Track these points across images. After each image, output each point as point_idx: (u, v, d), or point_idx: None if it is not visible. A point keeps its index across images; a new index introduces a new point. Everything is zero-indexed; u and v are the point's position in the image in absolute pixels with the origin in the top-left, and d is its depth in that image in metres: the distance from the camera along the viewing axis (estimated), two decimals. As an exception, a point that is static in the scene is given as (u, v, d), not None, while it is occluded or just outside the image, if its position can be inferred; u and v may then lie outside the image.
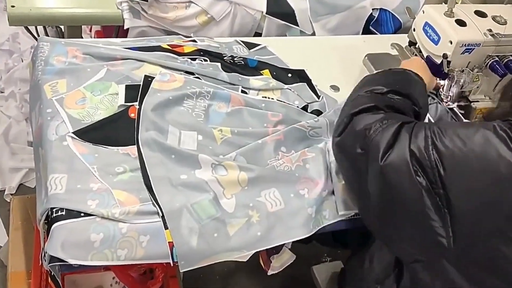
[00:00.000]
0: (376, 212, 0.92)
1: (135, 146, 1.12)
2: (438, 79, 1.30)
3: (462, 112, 1.32)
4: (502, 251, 0.78)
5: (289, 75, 1.44)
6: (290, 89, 1.38)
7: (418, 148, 0.84)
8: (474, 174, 0.79)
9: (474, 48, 1.24)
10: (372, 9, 1.87)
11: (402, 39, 1.54)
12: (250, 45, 1.52)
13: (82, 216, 0.97)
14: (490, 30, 1.25)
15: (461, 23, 1.26)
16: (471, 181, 0.79)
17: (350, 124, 0.96)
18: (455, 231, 0.81)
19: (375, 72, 1.15)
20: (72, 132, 1.12)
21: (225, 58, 1.42)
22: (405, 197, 0.85)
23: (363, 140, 0.91)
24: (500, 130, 0.79)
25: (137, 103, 1.21)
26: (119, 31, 1.77)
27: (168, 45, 1.43)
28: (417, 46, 1.42)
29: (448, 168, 0.80)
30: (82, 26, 1.87)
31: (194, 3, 1.69)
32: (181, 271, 0.98)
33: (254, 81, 1.37)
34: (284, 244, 1.08)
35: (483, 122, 0.87)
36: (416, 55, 1.44)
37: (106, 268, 1.08)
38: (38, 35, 1.83)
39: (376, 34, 1.88)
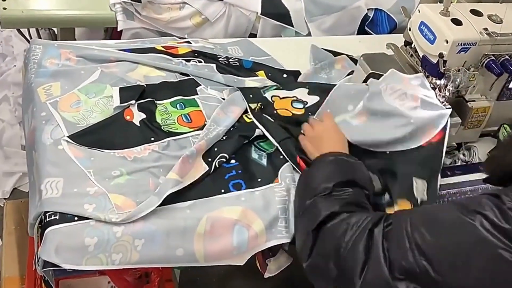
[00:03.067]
0: None
1: (131, 149, 1.11)
2: (434, 78, 1.30)
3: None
4: None
5: (284, 75, 1.44)
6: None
7: (401, 256, 0.77)
8: (467, 274, 0.73)
9: (470, 47, 1.24)
10: (367, 9, 1.86)
11: (398, 39, 1.53)
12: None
13: (76, 220, 0.96)
14: (486, 29, 1.24)
15: (457, 22, 1.25)
16: (465, 280, 0.73)
17: (316, 244, 0.88)
18: None
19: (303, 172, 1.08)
20: (67, 136, 1.10)
21: (220, 59, 1.42)
22: None
23: (335, 260, 0.84)
24: (486, 221, 0.72)
25: (133, 101, 1.20)
26: (113, 33, 1.76)
27: (162, 46, 1.43)
28: (412, 45, 1.41)
29: (439, 270, 0.74)
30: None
31: (188, 4, 1.68)
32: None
33: (250, 82, 1.36)
34: (281, 246, 1.07)
35: (465, 206, 0.77)
36: (412, 55, 1.43)
37: (101, 272, 1.07)
38: (31, 38, 1.82)
39: (372, 34, 1.88)
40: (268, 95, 1.30)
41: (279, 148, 1.16)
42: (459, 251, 0.74)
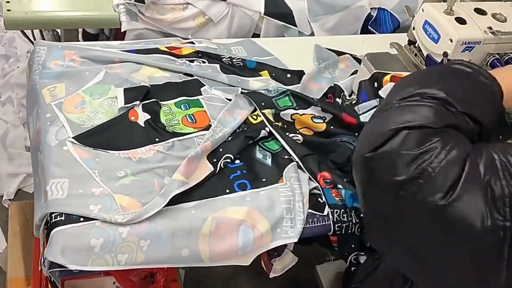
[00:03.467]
0: (418, 260, 0.75)
1: (136, 149, 1.11)
2: None
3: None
4: None
5: (288, 75, 1.44)
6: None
7: (492, 181, 0.67)
8: None
9: (474, 46, 1.24)
10: (371, 9, 1.86)
11: (401, 38, 1.53)
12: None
13: (82, 221, 0.96)
14: (490, 28, 1.24)
15: (461, 21, 1.25)
16: None
17: (396, 138, 0.74)
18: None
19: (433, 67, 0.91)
20: (72, 137, 1.11)
21: (223, 59, 1.42)
22: (478, 243, 0.67)
23: (416, 164, 0.71)
24: None
25: (137, 102, 1.20)
26: (117, 34, 1.76)
27: (166, 47, 1.43)
28: (416, 45, 1.41)
29: None
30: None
31: (191, 4, 1.68)
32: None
33: (254, 82, 1.36)
34: (286, 246, 1.07)
35: None
36: (416, 54, 1.43)
37: (107, 273, 1.07)
38: (35, 39, 1.82)
39: (375, 33, 1.87)
40: (287, 114, 1.26)
41: (301, 164, 1.15)
42: None
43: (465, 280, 0.71)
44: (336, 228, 1.08)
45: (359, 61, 1.49)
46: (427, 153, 0.72)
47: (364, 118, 1.25)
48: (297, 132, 1.25)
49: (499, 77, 0.87)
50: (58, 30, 1.89)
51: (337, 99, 1.38)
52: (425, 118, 0.76)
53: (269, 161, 1.16)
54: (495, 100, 0.85)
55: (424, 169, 0.71)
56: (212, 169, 1.10)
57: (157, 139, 1.15)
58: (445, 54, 1.24)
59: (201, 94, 1.30)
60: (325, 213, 1.09)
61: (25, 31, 1.84)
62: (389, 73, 1.34)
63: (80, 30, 1.96)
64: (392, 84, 1.24)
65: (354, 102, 1.35)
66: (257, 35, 1.78)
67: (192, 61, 1.40)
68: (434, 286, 0.76)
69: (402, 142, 0.73)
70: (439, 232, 0.70)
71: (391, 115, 0.78)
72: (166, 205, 1.00)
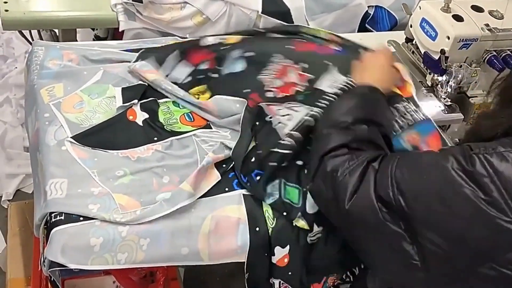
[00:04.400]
0: (360, 252, 0.96)
1: (135, 149, 1.11)
2: (436, 74, 1.30)
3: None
4: (475, 286, 0.80)
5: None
6: None
7: (383, 188, 0.85)
8: (437, 212, 0.80)
9: (471, 43, 1.24)
10: (368, 7, 1.86)
11: (399, 36, 1.54)
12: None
13: (82, 220, 0.96)
14: (487, 25, 1.25)
15: (458, 18, 1.26)
16: (435, 219, 0.80)
17: (320, 168, 0.95)
18: (429, 266, 0.82)
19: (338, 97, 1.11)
20: (71, 137, 1.11)
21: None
22: (376, 235, 0.87)
23: (332, 183, 0.92)
24: (456, 163, 0.80)
25: (136, 101, 1.21)
26: (114, 33, 1.76)
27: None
28: (414, 42, 1.42)
29: (412, 206, 0.82)
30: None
31: (189, 3, 1.68)
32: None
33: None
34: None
35: (443, 152, 0.86)
36: (413, 51, 1.44)
37: (107, 272, 1.07)
38: (33, 39, 1.82)
39: (372, 31, 1.87)
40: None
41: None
42: (430, 189, 0.81)
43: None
44: None
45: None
46: (336, 171, 0.92)
47: None
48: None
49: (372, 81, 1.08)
50: (56, 30, 1.89)
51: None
52: (334, 142, 0.96)
53: None
54: (383, 104, 1.07)
55: (335, 184, 0.91)
56: (220, 178, 1.09)
57: (155, 138, 1.15)
58: (442, 51, 1.25)
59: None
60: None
61: (23, 31, 1.84)
62: None
63: (86, 31, 1.97)
64: None
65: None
66: (255, 34, 1.78)
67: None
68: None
69: (323, 169, 0.94)
70: (352, 230, 0.92)
71: (316, 146, 1.00)
72: (165, 204, 1.01)
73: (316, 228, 1.06)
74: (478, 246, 0.77)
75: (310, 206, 1.04)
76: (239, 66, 1.26)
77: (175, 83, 1.27)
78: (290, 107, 1.15)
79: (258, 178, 1.07)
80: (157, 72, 1.28)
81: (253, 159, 1.09)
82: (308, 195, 1.04)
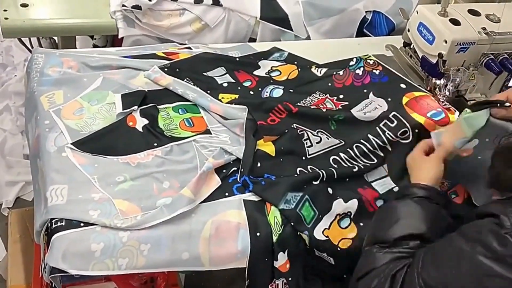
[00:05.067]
0: None
1: (135, 154, 1.12)
2: (434, 78, 1.31)
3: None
4: None
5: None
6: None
7: None
8: None
9: (469, 47, 1.25)
10: (365, 12, 1.87)
11: (397, 41, 1.54)
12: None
13: (82, 226, 0.96)
14: (484, 29, 1.25)
15: (455, 22, 1.26)
16: None
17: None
18: None
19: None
20: (71, 143, 1.11)
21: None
22: None
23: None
24: (486, 250, 0.78)
25: (136, 107, 1.21)
26: (114, 41, 1.77)
27: (163, 52, 1.43)
28: (411, 46, 1.42)
29: None
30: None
31: (188, 10, 1.69)
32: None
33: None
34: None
35: (468, 234, 0.83)
36: (411, 56, 1.44)
37: (107, 278, 1.07)
38: (32, 47, 1.82)
39: (370, 36, 1.88)
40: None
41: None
42: (459, 282, 0.79)
43: None
44: None
45: None
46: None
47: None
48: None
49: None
50: (56, 38, 1.89)
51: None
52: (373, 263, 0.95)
53: None
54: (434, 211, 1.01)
55: None
56: (220, 183, 1.10)
57: (155, 144, 1.16)
58: (440, 55, 1.25)
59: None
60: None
61: (22, 39, 1.84)
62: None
63: (86, 38, 1.97)
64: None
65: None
66: (254, 40, 1.79)
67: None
68: None
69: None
70: None
71: (368, 261, 0.97)
72: (166, 209, 1.01)
73: (317, 252, 1.07)
74: None
75: (318, 233, 1.06)
76: (278, 93, 1.33)
77: (211, 77, 1.35)
78: (323, 132, 1.22)
79: (274, 178, 1.11)
80: (169, 77, 1.32)
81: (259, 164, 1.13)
82: (320, 222, 1.06)
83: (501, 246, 0.76)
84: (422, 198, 1.01)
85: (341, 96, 1.30)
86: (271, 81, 1.38)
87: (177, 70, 1.35)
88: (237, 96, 1.30)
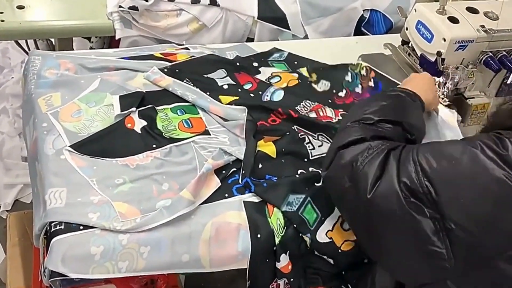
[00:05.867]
0: (375, 245, 0.92)
1: (133, 156, 1.11)
2: (433, 77, 1.30)
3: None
4: (504, 270, 0.78)
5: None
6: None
7: (408, 176, 0.83)
8: (467, 197, 0.79)
9: (467, 45, 1.25)
10: (363, 10, 1.87)
11: (395, 39, 1.54)
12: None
13: (81, 229, 0.96)
14: (482, 26, 1.25)
15: (453, 20, 1.26)
16: (466, 204, 0.79)
17: (337, 157, 0.94)
18: (456, 254, 0.80)
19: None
20: (69, 146, 1.10)
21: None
22: (400, 225, 0.84)
23: (350, 172, 0.90)
24: (487, 148, 0.79)
25: (134, 109, 1.20)
26: (111, 42, 1.76)
27: (161, 53, 1.43)
28: (410, 45, 1.42)
29: (441, 192, 0.80)
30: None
31: (185, 10, 1.68)
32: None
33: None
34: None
35: (468, 139, 0.85)
36: (409, 54, 1.44)
37: (107, 281, 1.07)
38: (29, 49, 1.82)
39: (368, 35, 1.88)
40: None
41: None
42: (460, 174, 0.80)
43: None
44: None
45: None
46: (355, 161, 0.90)
47: None
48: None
49: (415, 89, 1.09)
50: (52, 40, 1.89)
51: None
52: (354, 135, 0.95)
53: None
54: (419, 111, 1.07)
55: (355, 174, 0.89)
56: (220, 184, 1.09)
57: (154, 146, 1.15)
58: (438, 54, 1.25)
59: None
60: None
61: (19, 41, 1.83)
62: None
63: (82, 39, 1.96)
64: None
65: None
66: (251, 40, 1.78)
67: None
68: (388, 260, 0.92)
69: (340, 158, 0.93)
70: (376, 222, 0.87)
71: (336, 138, 1.01)
72: (165, 211, 1.00)
73: (316, 252, 1.06)
74: (509, 229, 0.76)
75: (321, 235, 1.05)
76: (278, 96, 1.33)
77: (212, 79, 1.35)
78: (323, 136, 1.24)
79: (275, 179, 1.11)
80: (168, 78, 1.31)
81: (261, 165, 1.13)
82: (323, 224, 1.06)
83: (503, 149, 0.77)
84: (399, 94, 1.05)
85: (341, 110, 1.33)
86: (271, 86, 1.38)
87: (177, 71, 1.34)
88: (237, 98, 1.30)
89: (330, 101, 1.37)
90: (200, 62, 1.40)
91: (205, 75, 1.37)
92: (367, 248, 0.97)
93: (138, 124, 1.19)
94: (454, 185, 0.80)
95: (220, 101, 1.28)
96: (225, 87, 1.35)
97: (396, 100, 1.05)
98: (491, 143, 0.79)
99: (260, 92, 1.35)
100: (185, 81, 1.33)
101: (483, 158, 0.78)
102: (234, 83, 1.36)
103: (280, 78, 1.41)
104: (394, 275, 0.97)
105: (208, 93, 1.30)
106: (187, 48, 1.49)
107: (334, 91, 1.39)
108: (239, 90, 1.34)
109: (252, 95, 1.34)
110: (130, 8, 1.61)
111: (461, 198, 0.79)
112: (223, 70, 1.39)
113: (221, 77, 1.37)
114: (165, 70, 1.33)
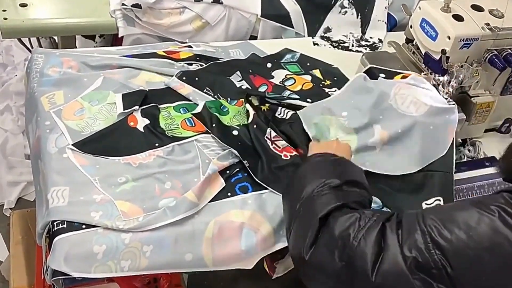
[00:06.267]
0: None
1: (136, 155, 1.11)
2: (437, 75, 1.29)
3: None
4: None
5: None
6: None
7: (416, 248, 0.74)
8: (487, 271, 0.71)
9: (472, 43, 1.24)
10: (367, 8, 1.85)
11: (399, 37, 1.53)
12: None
13: (84, 228, 0.96)
14: (487, 24, 1.24)
15: (458, 18, 1.25)
16: (485, 278, 0.71)
17: (321, 233, 0.82)
18: None
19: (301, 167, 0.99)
20: (72, 144, 1.10)
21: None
22: None
23: (342, 251, 0.78)
24: (505, 214, 0.72)
25: (137, 107, 1.20)
26: (114, 40, 1.76)
27: (164, 51, 1.43)
28: (414, 43, 1.41)
29: (457, 266, 0.71)
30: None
31: (188, 8, 1.68)
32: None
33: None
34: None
35: (481, 204, 0.75)
36: (414, 52, 1.43)
37: (110, 279, 1.06)
38: (32, 47, 1.82)
39: (372, 32, 1.86)
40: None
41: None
42: (479, 246, 0.71)
43: None
44: None
45: None
46: (348, 237, 0.78)
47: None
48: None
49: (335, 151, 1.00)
50: (55, 37, 1.88)
51: None
52: (336, 200, 0.85)
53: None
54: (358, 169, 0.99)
55: (349, 253, 0.78)
56: (224, 184, 1.09)
57: (156, 144, 1.15)
58: (443, 52, 1.24)
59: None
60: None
61: (22, 39, 1.83)
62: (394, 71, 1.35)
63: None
64: None
65: None
66: (254, 37, 1.77)
67: (190, 65, 1.40)
68: None
69: (325, 238, 0.81)
70: None
71: (309, 207, 0.87)
72: (168, 210, 1.00)
73: None
74: None
75: None
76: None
77: (230, 80, 1.36)
78: None
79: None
80: (188, 87, 1.31)
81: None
82: None
83: None
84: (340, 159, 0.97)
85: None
86: (286, 89, 1.38)
87: (196, 79, 1.33)
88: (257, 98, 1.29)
89: None
90: (217, 67, 1.40)
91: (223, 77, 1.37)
92: None
93: (141, 122, 1.19)
94: (473, 259, 0.71)
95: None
96: (244, 87, 1.35)
97: (334, 162, 0.96)
98: (508, 208, 0.72)
99: (277, 93, 1.34)
100: (205, 90, 1.32)
101: (503, 226, 0.71)
102: (249, 87, 1.37)
103: (295, 80, 1.41)
104: None
105: (228, 99, 1.30)
106: (190, 46, 1.49)
107: None
108: (255, 93, 1.33)
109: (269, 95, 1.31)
110: (133, 5, 1.61)
111: (480, 272, 0.71)
112: (238, 73, 1.39)
113: (237, 81, 1.38)
114: (184, 78, 1.32)
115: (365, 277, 0.75)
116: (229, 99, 1.30)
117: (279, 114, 1.26)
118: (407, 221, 0.78)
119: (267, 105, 1.28)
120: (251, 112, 1.23)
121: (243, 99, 1.28)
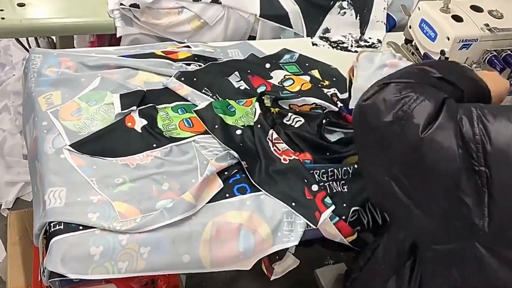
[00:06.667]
0: (402, 187, 0.81)
1: (134, 156, 1.11)
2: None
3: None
4: None
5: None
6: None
7: (464, 121, 0.74)
8: None
9: (471, 44, 1.24)
10: (366, 8, 1.85)
11: (398, 37, 1.53)
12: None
13: (81, 230, 0.95)
14: (487, 25, 1.24)
15: (457, 18, 1.25)
16: None
17: (385, 89, 0.82)
18: (492, 213, 0.73)
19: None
20: (69, 145, 1.10)
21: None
22: (441, 173, 0.75)
23: (398, 107, 0.79)
24: None
25: (134, 108, 1.20)
26: (112, 40, 1.75)
27: (162, 51, 1.42)
28: (413, 43, 1.41)
29: (496, 146, 0.72)
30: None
31: (186, 8, 1.67)
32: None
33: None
34: (287, 249, 1.06)
35: None
36: (413, 53, 1.43)
37: (107, 281, 1.06)
38: (30, 47, 1.81)
39: (371, 33, 1.86)
40: (285, 103, 1.30)
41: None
42: None
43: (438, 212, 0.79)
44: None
45: None
46: (407, 97, 0.79)
47: None
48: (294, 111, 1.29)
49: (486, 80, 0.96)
50: (53, 37, 1.88)
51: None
52: (409, 77, 0.85)
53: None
54: (482, 92, 0.94)
55: (404, 111, 0.79)
56: (222, 185, 1.08)
57: (154, 145, 1.14)
58: (442, 52, 1.24)
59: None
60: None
61: (20, 38, 1.83)
62: None
63: (83, 37, 1.95)
64: None
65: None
66: (253, 38, 1.77)
67: (189, 65, 1.40)
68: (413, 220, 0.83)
69: (387, 92, 0.82)
70: (415, 164, 0.78)
71: (391, 74, 0.89)
72: (166, 211, 1.00)
73: None
74: None
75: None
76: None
77: (228, 81, 1.36)
78: None
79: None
80: (187, 88, 1.30)
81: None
82: None
83: None
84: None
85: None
86: (285, 89, 1.38)
87: (195, 80, 1.33)
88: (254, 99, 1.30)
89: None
90: (215, 68, 1.40)
91: (222, 78, 1.37)
92: (389, 192, 0.85)
93: (139, 123, 1.19)
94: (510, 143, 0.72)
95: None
96: (242, 88, 1.35)
97: (470, 74, 0.94)
98: None
99: (274, 91, 1.34)
100: (203, 91, 1.32)
101: None
102: (248, 87, 1.36)
103: (293, 81, 1.41)
104: (414, 228, 0.88)
105: (226, 99, 1.30)
106: (188, 46, 1.48)
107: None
108: (254, 95, 1.33)
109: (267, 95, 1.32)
110: (131, 5, 1.60)
111: None
112: (236, 74, 1.39)
113: (235, 81, 1.38)
114: (182, 79, 1.32)
115: (413, 133, 0.76)
116: (237, 100, 1.30)
117: (287, 120, 1.26)
118: (466, 105, 0.79)
119: (277, 109, 1.28)
120: (258, 111, 1.22)
121: (252, 99, 1.27)
